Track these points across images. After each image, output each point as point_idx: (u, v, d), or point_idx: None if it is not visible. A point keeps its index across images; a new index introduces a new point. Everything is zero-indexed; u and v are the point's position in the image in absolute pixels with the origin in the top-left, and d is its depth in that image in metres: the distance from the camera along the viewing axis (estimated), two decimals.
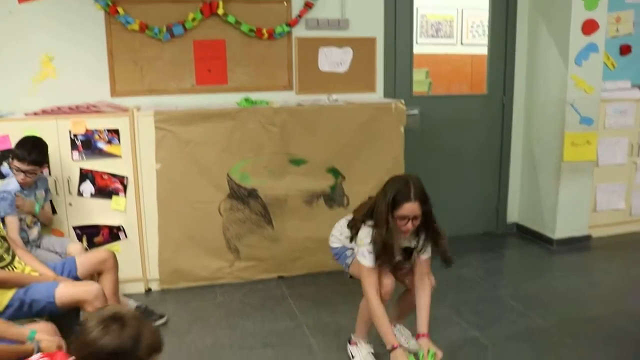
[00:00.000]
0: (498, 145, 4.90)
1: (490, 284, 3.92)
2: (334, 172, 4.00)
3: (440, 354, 2.57)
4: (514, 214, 5.03)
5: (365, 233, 2.61)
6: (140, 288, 3.73)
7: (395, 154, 4.06)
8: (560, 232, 4.58)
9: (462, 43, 6.11)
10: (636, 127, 4.72)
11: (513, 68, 4.76)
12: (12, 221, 2.99)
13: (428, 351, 2.56)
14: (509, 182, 4.97)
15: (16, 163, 3.05)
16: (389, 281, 2.68)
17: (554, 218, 4.60)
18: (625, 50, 4.76)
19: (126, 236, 3.61)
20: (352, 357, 2.90)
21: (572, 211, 4.59)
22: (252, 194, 3.83)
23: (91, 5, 3.68)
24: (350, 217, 2.82)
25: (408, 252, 2.73)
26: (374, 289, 2.60)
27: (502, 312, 3.47)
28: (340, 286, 3.72)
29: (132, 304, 3.37)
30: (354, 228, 2.71)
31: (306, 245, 3.97)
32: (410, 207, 2.48)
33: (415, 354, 2.61)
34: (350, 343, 2.96)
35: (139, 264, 3.68)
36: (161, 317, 3.32)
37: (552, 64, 4.49)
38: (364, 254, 2.60)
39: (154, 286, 3.78)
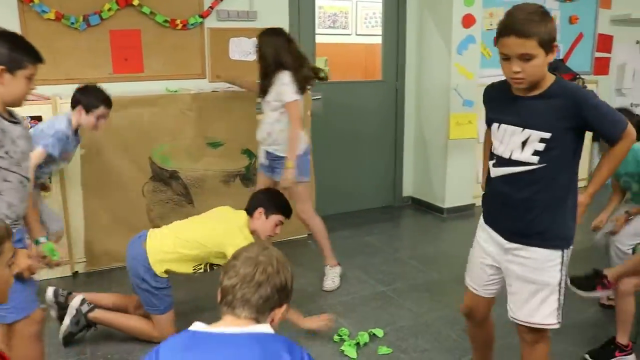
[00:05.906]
0: (393, 127, 5.43)
1: (392, 248, 4.43)
2: (249, 153, 4.31)
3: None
4: (409, 188, 5.60)
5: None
6: (67, 271, 3.83)
7: None
8: (449, 202, 5.21)
9: (356, 33, 6.59)
10: None
11: (404, 57, 5.30)
12: (41, 155, 2.89)
13: None
14: (403, 160, 5.53)
15: (103, 110, 3.16)
16: None
17: (443, 190, 5.22)
18: None
19: None
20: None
21: (458, 183, 5.22)
22: (174, 175, 4.06)
23: None
24: None
25: None
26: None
27: (403, 270, 3.98)
28: None
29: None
30: None
31: None
32: None
33: None
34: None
35: (65, 248, 3.76)
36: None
37: (437, 53, 5.07)
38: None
39: (81, 269, 3.91)
